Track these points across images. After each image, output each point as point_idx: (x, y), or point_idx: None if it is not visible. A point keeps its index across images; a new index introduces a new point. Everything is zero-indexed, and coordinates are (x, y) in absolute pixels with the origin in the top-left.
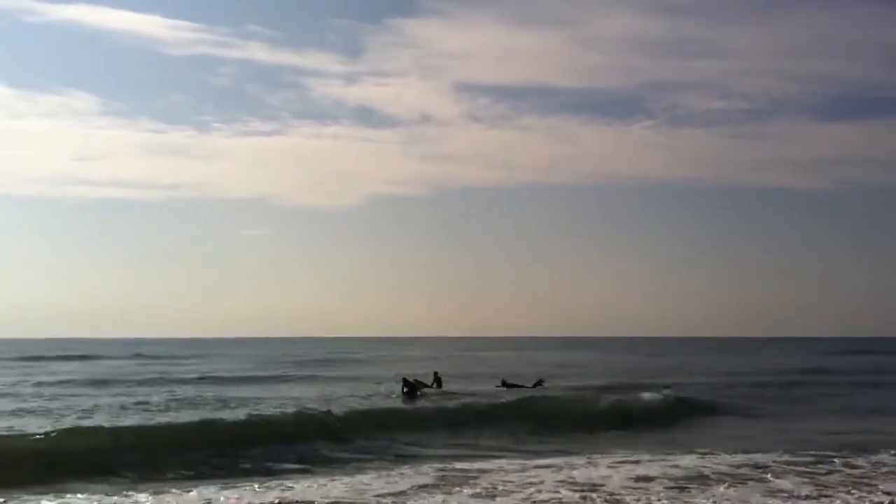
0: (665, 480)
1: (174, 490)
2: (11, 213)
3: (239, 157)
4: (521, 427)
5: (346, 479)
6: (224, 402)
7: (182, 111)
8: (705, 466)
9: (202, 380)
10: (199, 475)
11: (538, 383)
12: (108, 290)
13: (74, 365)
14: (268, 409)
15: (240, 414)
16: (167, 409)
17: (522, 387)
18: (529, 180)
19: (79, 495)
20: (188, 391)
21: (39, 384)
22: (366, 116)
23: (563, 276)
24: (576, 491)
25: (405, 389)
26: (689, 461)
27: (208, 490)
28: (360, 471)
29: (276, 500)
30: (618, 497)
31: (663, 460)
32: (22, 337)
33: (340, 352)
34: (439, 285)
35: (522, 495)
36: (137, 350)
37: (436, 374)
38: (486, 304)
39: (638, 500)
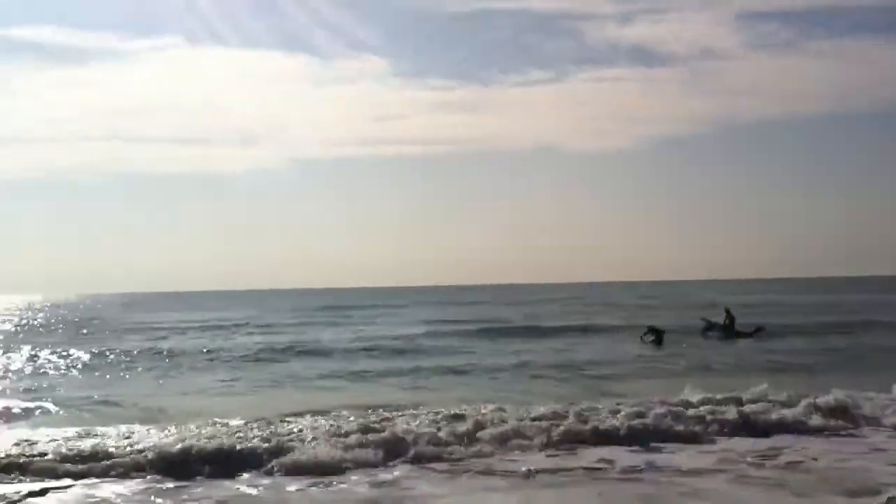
0: None
1: None
2: (316, 174)
3: (521, 107)
4: None
5: None
6: None
7: (466, 66)
8: None
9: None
10: None
11: (758, 330)
12: (410, 243)
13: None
14: None
15: None
16: None
17: (745, 333)
18: (822, 110)
19: None
20: None
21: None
22: (643, 56)
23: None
24: None
25: (651, 338)
26: None
27: None
28: None
29: None
30: None
31: None
32: (326, 287)
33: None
34: (737, 224)
35: None
36: (460, 298)
37: (727, 310)
38: (793, 241)
39: None
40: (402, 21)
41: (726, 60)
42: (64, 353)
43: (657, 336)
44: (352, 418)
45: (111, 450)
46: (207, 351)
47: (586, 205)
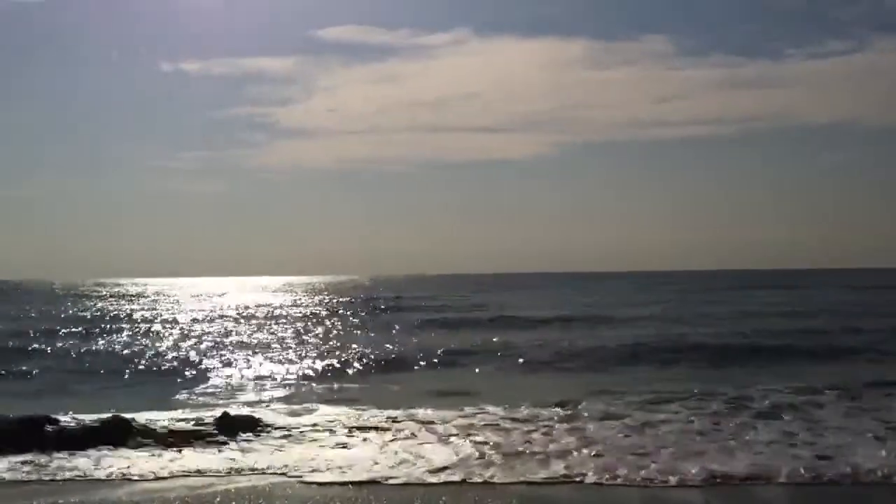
0: None
1: None
2: (598, 158)
3: (815, 81)
4: None
5: None
6: None
7: (753, 41)
8: None
9: None
10: None
11: None
12: (695, 225)
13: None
14: None
15: None
16: None
17: None
18: None
19: None
20: None
21: None
22: None
23: None
24: None
25: None
26: None
27: None
28: None
29: None
30: None
31: None
32: (606, 270)
33: None
34: None
35: None
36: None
37: None
38: None
39: None
40: None
41: None
42: None
43: None
44: None
45: None
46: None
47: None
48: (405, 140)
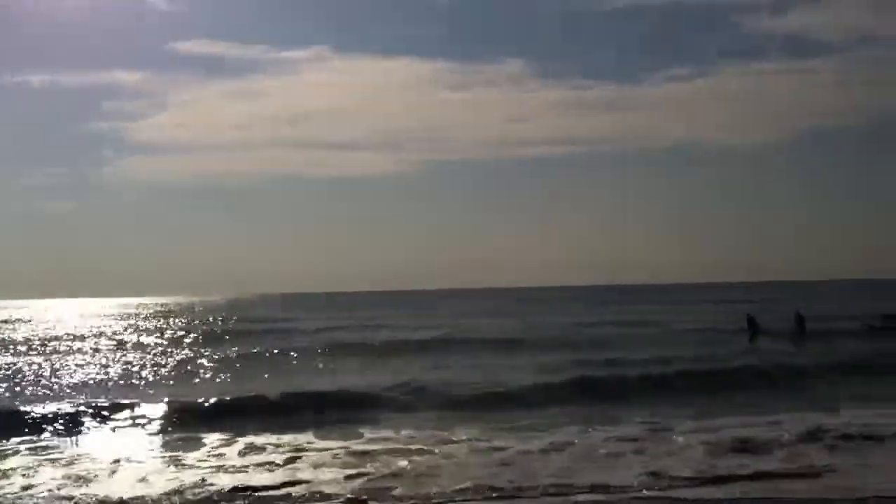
0: None
1: None
2: (457, 175)
3: (662, 105)
4: None
5: None
6: None
7: (608, 65)
8: None
9: None
10: None
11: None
12: (550, 242)
13: None
14: None
15: None
16: None
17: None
18: None
19: None
20: None
21: None
22: (797, 47)
23: None
24: None
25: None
26: None
27: None
28: None
29: None
30: None
31: None
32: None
33: None
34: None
35: None
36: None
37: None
38: None
39: None
40: (544, 22)
41: (891, 49)
42: None
43: (753, 329)
44: None
45: None
46: None
47: (724, 202)
48: (265, 156)
